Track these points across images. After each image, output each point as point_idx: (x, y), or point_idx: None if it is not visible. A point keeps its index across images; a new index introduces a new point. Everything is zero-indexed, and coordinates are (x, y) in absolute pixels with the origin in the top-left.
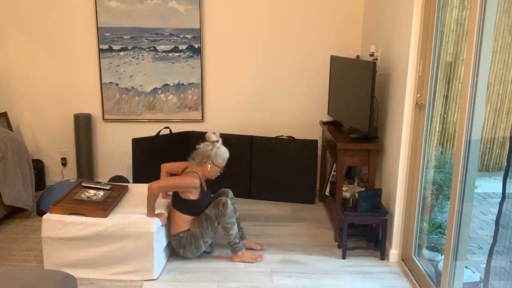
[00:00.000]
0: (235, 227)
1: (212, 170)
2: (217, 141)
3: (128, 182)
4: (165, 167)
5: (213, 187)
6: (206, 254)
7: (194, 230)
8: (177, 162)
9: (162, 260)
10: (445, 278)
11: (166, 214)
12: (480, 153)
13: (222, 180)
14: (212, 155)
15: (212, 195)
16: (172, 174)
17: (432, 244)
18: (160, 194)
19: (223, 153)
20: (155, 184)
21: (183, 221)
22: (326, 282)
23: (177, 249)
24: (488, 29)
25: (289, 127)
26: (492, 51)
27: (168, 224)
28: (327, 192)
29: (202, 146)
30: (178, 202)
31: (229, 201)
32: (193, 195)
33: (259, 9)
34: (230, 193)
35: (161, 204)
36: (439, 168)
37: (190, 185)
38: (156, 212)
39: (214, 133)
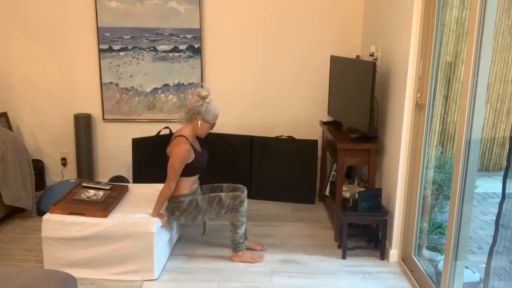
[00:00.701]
0: (243, 227)
1: (203, 127)
2: (207, 96)
3: (128, 182)
4: None
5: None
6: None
7: (201, 203)
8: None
9: (162, 260)
10: (445, 278)
11: (167, 215)
12: (480, 153)
13: (222, 180)
14: (202, 110)
15: (229, 184)
16: None
17: (432, 244)
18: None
19: (214, 108)
20: (167, 183)
21: (183, 183)
22: (326, 282)
23: (172, 211)
24: (488, 29)
25: (289, 127)
26: (492, 51)
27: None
28: (327, 192)
29: (191, 102)
30: None
31: (246, 200)
32: (189, 158)
33: (259, 9)
34: (245, 192)
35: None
36: (439, 168)
37: (184, 152)
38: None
39: (203, 87)
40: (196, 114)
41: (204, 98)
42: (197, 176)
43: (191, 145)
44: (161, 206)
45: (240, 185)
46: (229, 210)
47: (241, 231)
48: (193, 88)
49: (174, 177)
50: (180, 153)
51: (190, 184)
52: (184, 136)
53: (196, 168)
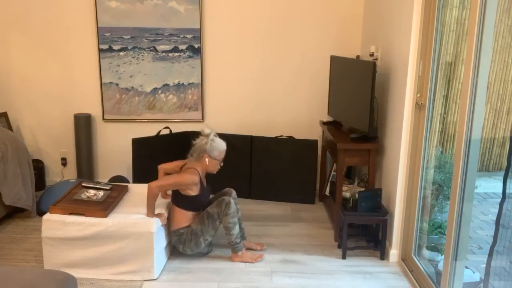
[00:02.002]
0: (237, 227)
1: (211, 164)
2: (210, 134)
3: (128, 182)
4: (162, 168)
5: (214, 187)
6: (205, 255)
7: (195, 227)
8: (173, 162)
9: (162, 260)
10: (445, 278)
11: (166, 214)
12: (480, 153)
13: (222, 180)
14: (208, 148)
15: (214, 194)
16: (169, 174)
17: (432, 244)
18: (160, 194)
19: (219, 145)
20: (154, 183)
21: (184, 217)
22: (326, 282)
23: (176, 245)
24: (488, 29)
25: (289, 127)
26: (492, 51)
27: (169, 221)
28: (327, 192)
29: (197, 141)
30: (178, 199)
31: (232, 201)
32: (193, 191)
33: (259, 9)
34: (234, 193)
35: (161, 204)
36: (439, 168)
37: (190, 182)
38: (156, 212)
39: (207, 126)
40: (202, 152)
41: (207, 136)
42: (195, 213)
43: (200, 180)
44: (152, 207)
45: (226, 189)
46: (220, 217)
47: (235, 231)
48: (193, 88)
49: (162, 184)
50: (187, 179)
51: (191, 218)
52: (197, 170)
53: (199, 202)
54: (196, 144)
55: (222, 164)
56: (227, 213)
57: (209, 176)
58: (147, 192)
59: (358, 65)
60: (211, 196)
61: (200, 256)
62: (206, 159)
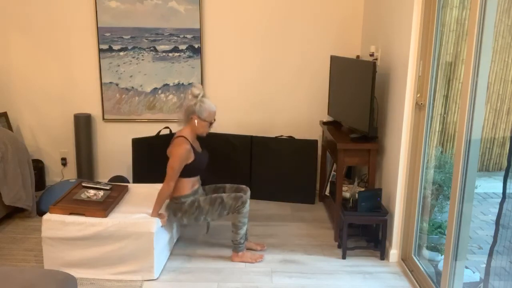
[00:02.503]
0: (245, 228)
1: (200, 126)
2: (199, 94)
3: (128, 182)
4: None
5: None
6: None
7: (204, 204)
8: None
9: (162, 260)
10: (445, 278)
11: (166, 216)
12: (480, 153)
13: (222, 180)
14: (197, 109)
15: (232, 184)
16: None
17: (432, 244)
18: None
19: (209, 106)
20: (165, 183)
21: (183, 184)
22: (326, 282)
23: (174, 212)
24: (488, 29)
25: (289, 127)
26: (492, 51)
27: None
28: (327, 192)
29: (186, 101)
30: None
31: (248, 201)
32: (189, 159)
33: (259, 9)
34: (248, 193)
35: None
36: (439, 168)
37: (184, 152)
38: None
39: (196, 86)
40: (191, 114)
41: (197, 96)
42: (197, 177)
43: (191, 145)
44: (160, 206)
45: (243, 186)
46: (231, 211)
47: (242, 231)
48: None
49: (173, 176)
50: (180, 153)
51: (190, 184)
52: (184, 137)
53: (196, 169)
54: (185, 105)
55: (211, 127)
56: (240, 211)
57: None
58: (162, 191)
59: (358, 65)
60: (229, 185)
61: (200, 256)
62: (195, 121)
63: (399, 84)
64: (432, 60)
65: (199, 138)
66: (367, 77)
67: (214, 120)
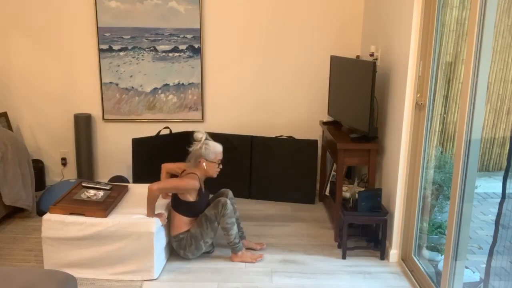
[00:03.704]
0: (235, 227)
1: (209, 168)
2: (202, 138)
3: (128, 182)
4: (165, 167)
5: (213, 187)
6: (207, 254)
7: (194, 231)
8: (177, 162)
9: (162, 260)
10: (445, 278)
11: (166, 214)
12: (480, 153)
13: (222, 180)
14: (203, 153)
15: (211, 196)
16: (172, 175)
17: (432, 244)
18: (160, 194)
19: (214, 147)
20: (155, 185)
21: (183, 222)
22: (326, 282)
23: (177, 250)
24: (488, 29)
25: (289, 127)
26: (492, 51)
27: (168, 225)
28: (327, 192)
29: (192, 147)
30: (177, 204)
31: (228, 202)
32: (192, 197)
33: (259, 9)
34: (230, 193)
35: (161, 204)
36: (439, 168)
37: (191, 187)
38: (156, 212)
39: (198, 131)
40: (199, 158)
41: (200, 140)
42: (193, 218)
43: (200, 185)
44: (152, 207)
45: (223, 189)
46: (218, 218)
47: (234, 231)
48: (193, 88)
49: (162, 187)
50: (187, 184)
51: (189, 223)
52: (197, 175)
53: (197, 208)
54: (192, 150)
55: (221, 166)
56: (224, 214)
57: (211, 178)
58: (147, 193)
59: (358, 65)
60: (211, 197)
61: (200, 256)
62: (204, 164)
63: (399, 84)
64: (432, 60)
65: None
66: (367, 77)
67: (222, 160)
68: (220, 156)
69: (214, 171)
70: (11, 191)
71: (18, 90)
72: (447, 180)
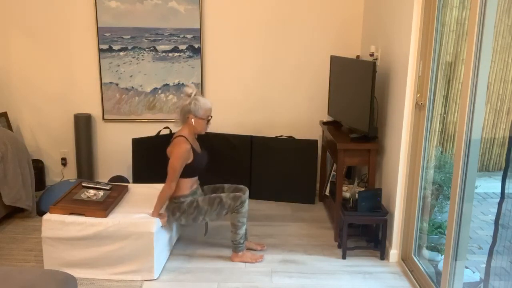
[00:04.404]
0: (244, 228)
1: (198, 124)
2: (192, 93)
3: (128, 182)
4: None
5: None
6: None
7: (202, 204)
8: None
9: (162, 260)
10: (445, 278)
11: (167, 216)
12: (480, 153)
13: (222, 180)
14: (192, 108)
15: (231, 184)
16: None
17: (432, 244)
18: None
19: (203, 103)
20: (168, 184)
21: (183, 184)
22: (326, 282)
23: (173, 212)
24: (488, 29)
25: (289, 127)
26: (492, 51)
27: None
28: (327, 192)
29: (181, 102)
30: None
31: (247, 201)
32: (189, 159)
33: (259, 9)
34: (247, 193)
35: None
36: (439, 168)
37: (185, 152)
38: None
39: (189, 86)
40: (187, 113)
41: (190, 95)
42: (196, 177)
43: (191, 145)
44: (162, 206)
45: (242, 186)
46: (230, 210)
47: (242, 231)
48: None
49: (174, 177)
50: (181, 153)
51: (190, 184)
52: (184, 136)
53: (195, 169)
54: (180, 105)
55: (210, 123)
56: (239, 211)
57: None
58: (163, 191)
59: (358, 65)
60: (228, 185)
61: (200, 256)
62: (192, 120)
63: (399, 84)
64: (432, 60)
65: (199, 138)
66: (367, 77)
67: (211, 116)
68: (210, 113)
69: (202, 127)
70: (11, 191)
71: (18, 90)
72: (447, 180)
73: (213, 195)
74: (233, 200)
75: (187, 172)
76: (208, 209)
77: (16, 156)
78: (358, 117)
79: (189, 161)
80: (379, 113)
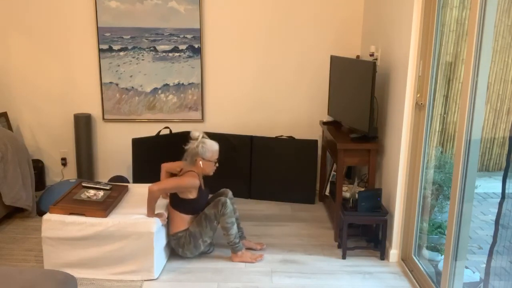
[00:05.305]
0: (235, 227)
1: (206, 166)
2: (199, 136)
3: (128, 182)
4: (165, 166)
5: (213, 187)
6: (206, 254)
7: (193, 229)
8: (176, 162)
9: (162, 260)
10: (445, 278)
11: (166, 214)
12: (480, 153)
13: (222, 180)
14: (200, 151)
15: (211, 195)
16: (172, 174)
17: (432, 244)
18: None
19: (210, 146)
20: (155, 186)
21: (182, 220)
22: (326, 282)
23: (176, 249)
24: (488, 29)
25: (289, 127)
26: (492, 51)
27: (167, 224)
28: (327, 192)
29: (189, 146)
30: (176, 202)
31: (228, 201)
32: (192, 195)
33: (259, 9)
34: (230, 193)
35: (161, 204)
36: (439, 168)
37: (191, 185)
38: (156, 212)
39: (195, 130)
40: (195, 156)
41: (197, 139)
42: (193, 216)
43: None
44: (152, 207)
45: (222, 189)
46: (217, 217)
47: (233, 231)
48: (193, 88)
49: (162, 187)
50: (187, 183)
51: (189, 222)
52: (196, 173)
53: (197, 206)
54: (188, 148)
55: (217, 164)
56: (224, 213)
57: (207, 176)
58: (148, 194)
59: (358, 65)
60: (211, 197)
61: (200, 256)
62: (200, 162)
63: (399, 84)
64: (432, 60)
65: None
66: (367, 77)
67: (218, 158)
68: (217, 155)
69: (210, 169)
70: (11, 191)
71: (18, 90)
72: (447, 180)
73: (197, 216)
74: (214, 208)
75: (189, 208)
76: (200, 230)
77: (16, 156)
78: (358, 117)
79: (193, 197)
80: (379, 113)
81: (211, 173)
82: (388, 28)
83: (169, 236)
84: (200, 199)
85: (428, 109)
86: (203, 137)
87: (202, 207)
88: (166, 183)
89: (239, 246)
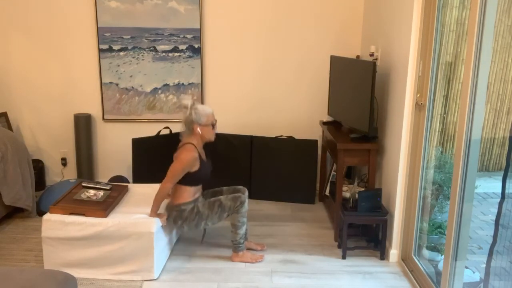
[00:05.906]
0: (244, 228)
1: (205, 132)
2: (188, 104)
3: (128, 182)
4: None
5: (213, 187)
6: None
7: (203, 209)
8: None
9: (162, 260)
10: (445, 278)
11: (166, 215)
12: (480, 153)
13: (222, 180)
14: (194, 118)
15: (229, 186)
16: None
17: (432, 244)
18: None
19: (203, 110)
20: (165, 182)
21: (186, 192)
22: (326, 282)
23: (174, 220)
24: (488, 29)
25: (289, 127)
26: (492, 51)
27: (170, 196)
28: (327, 192)
29: (183, 116)
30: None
31: (247, 201)
32: (194, 167)
33: (259, 9)
34: (246, 193)
35: (161, 205)
36: (439, 168)
37: (191, 158)
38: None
39: (184, 98)
40: (191, 124)
41: (187, 106)
42: (200, 186)
43: (199, 154)
44: (158, 206)
45: (241, 187)
46: (231, 212)
47: (242, 231)
48: (193, 88)
49: (172, 179)
50: (186, 159)
51: (193, 193)
52: (193, 144)
53: (200, 178)
54: (183, 118)
55: (216, 128)
56: (239, 211)
57: (210, 142)
58: (158, 191)
59: (358, 65)
60: (226, 187)
61: (200, 256)
62: (198, 129)
63: (399, 84)
64: (432, 60)
65: (204, 146)
66: (367, 77)
67: (215, 121)
68: (212, 118)
69: (210, 134)
70: (11, 191)
71: (18, 90)
72: (447, 180)
73: (213, 199)
74: (233, 201)
75: (192, 180)
76: (209, 213)
77: (16, 156)
78: (358, 117)
79: (195, 169)
80: (379, 113)
81: (213, 139)
82: (388, 28)
83: (171, 207)
84: (202, 170)
85: (428, 109)
86: (193, 103)
87: (206, 178)
88: (171, 173)
89: (242, 247)
